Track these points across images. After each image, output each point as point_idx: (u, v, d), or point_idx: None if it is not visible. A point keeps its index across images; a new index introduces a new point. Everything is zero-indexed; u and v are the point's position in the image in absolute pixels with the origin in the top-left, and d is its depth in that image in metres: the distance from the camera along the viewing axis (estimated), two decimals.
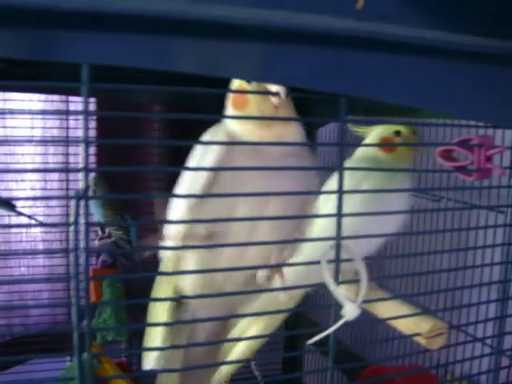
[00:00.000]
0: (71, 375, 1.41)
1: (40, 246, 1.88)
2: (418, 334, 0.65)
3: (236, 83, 0.69)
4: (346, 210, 0.57)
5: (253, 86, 0.66)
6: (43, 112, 1.68)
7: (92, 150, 1.83)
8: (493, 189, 1.05)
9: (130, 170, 0.92)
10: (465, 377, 1.09)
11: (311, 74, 0.54)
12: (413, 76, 0.57)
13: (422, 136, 1.23)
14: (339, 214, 0.56)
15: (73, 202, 0.48)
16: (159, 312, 0.74)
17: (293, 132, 0.69)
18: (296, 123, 0.70)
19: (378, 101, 0.57)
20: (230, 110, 0.70)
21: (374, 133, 0.90)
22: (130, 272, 1.62)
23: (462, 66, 0.58)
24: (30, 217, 1.62)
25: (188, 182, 0.69)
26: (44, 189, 1.84)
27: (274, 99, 0.63)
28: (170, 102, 1.77)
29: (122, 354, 1.92)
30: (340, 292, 0.56)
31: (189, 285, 0.73)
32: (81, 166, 0.49)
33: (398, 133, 0.89)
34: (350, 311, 0.56)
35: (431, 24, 0.55)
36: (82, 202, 0.49)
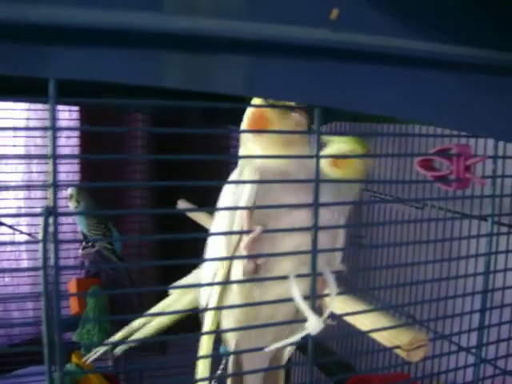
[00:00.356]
0: None
1: (25, 260, 1.87)
2: (397, 347, 0.65)
3: (255, 109, 0.69)
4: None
5: (272, 109, 0.66)
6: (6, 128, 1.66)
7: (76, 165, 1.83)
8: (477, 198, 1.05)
9: (101, 185, 0.91)
10: None
11: (289, 85, 0.53)
12: (392, 86, 0.57)
13: (404, 144, 1.23)
14: (316, 227, 0.56)
15: (41, 219, 0.47)
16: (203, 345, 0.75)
17: (306, 151, 0.68)
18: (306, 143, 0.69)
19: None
20: (248, 137, 0.69)
21: (330, 150, 0.80)
22: (113, 281, 1.61)
23: (444, 77, 0.58)
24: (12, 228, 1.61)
25: (226, 222, 0.68)
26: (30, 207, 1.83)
27: (295, 115, 0.63)
28: (156, 112, 1.76)
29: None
30: (305, 305, 0.55)
31: (232, 322, 0.72)
32: (49, 182, 0.48)
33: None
34: (312, 325, 0.55)
35: (410, 34, 0.55)
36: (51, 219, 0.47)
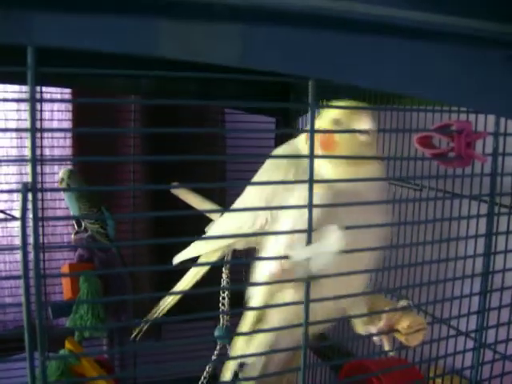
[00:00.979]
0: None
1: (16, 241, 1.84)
2: (396, 330, 0.63)
3: (322, 124, 0.69)
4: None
5: (341, 127, 0.67)
6: None
7: (68, 141, 1.80)
8: (475, 177, 1.02)
9: (85, 159, 0.89)
10: (449, 371, 1.07)
11: (284, 56, 0.51)
12: (386, 59, 0.54)
13: (402, 122, 1.20)
14: (310, 205, 0.53)
15: (20, 196, 0.45)
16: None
17: (377, 168, 0.69)
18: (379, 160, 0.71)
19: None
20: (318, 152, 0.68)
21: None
22: (107, 266, 1.58)
23: (448, 50, 0.55)
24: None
25: (293, 222, 0.66)
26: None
27: (362, 137, 0.65)
28: (149, 91, 1.74)
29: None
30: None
31: (282, 320, 0.70)
32: (28, 156, 0.45)
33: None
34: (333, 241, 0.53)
35: (405, 3, 0.52)
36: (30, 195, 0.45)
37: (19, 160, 0.57)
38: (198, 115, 1.88)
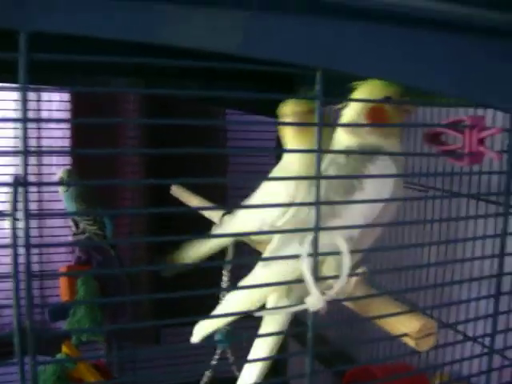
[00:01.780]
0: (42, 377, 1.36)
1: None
2: (405, 335, 0.60)
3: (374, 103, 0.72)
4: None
5: (391, 107, 0.71)
6: None
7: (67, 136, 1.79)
8: (483, 179, 1.00)
9: (83, 152, 0.86)
10: (456, 378, 1.04)
11: (285, 44, 0.49)
12: (396, 48, 0.52)
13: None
14: (317, 202, 0.51)
15: (11, 190, 0.42)
16: None
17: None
18: None
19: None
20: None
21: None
22: (104, 269, 1.56)
23: (448, 39, 0.53)
24: None
25: (364, 216, 0.68)
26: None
27: (406, 106, 0.72)
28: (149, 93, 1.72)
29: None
30: (312, 280, 0.52)
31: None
32: (20, 148, 0.42)
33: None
34: (313, 300, 0.51)
35: None
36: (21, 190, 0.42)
37: (10, 152, 0.55)
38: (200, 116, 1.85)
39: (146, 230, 1.82)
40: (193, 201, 1.22)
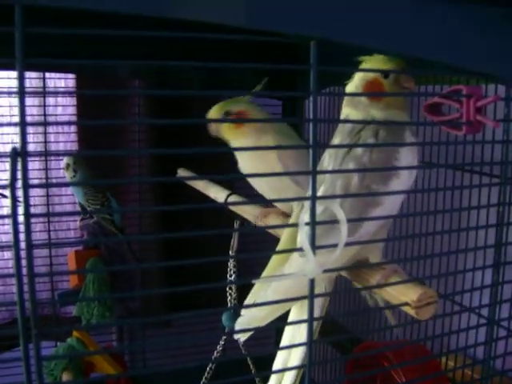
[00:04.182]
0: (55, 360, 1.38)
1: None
2: (405, 304, 0.60)
3: (371, 76, 0.73)
4: None
5: (389, 80, 0.72)
6: None
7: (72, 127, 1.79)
8: (486, 154, 1.00)
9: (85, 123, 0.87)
10: (459, 349, 1.04)
11: (287, 15, 0.50)
12: (395, 18, 0.53)
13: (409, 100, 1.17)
14: (314, 172, 0.51)
15: (9, 160, 0.42)
16: None
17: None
18: None
19: None
20: (361, 100, 0.73)
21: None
22: (113, 252, 1.57)
23: (449, 9, 0.53)
24: None
25: (401, 200, 0.71)
26: None
27: (404, 77, 0.71)
28: (152, 77, 1.72)
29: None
30: (309, 248, 0.51)
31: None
32: (17, 119, 0.43)
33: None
34: (311, 268, 0.51)
35: None
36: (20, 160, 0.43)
37: (7, 124, 0.55)
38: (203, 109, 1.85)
39: (152, 199, 1.83)
40: (198, 184, 1.22)
